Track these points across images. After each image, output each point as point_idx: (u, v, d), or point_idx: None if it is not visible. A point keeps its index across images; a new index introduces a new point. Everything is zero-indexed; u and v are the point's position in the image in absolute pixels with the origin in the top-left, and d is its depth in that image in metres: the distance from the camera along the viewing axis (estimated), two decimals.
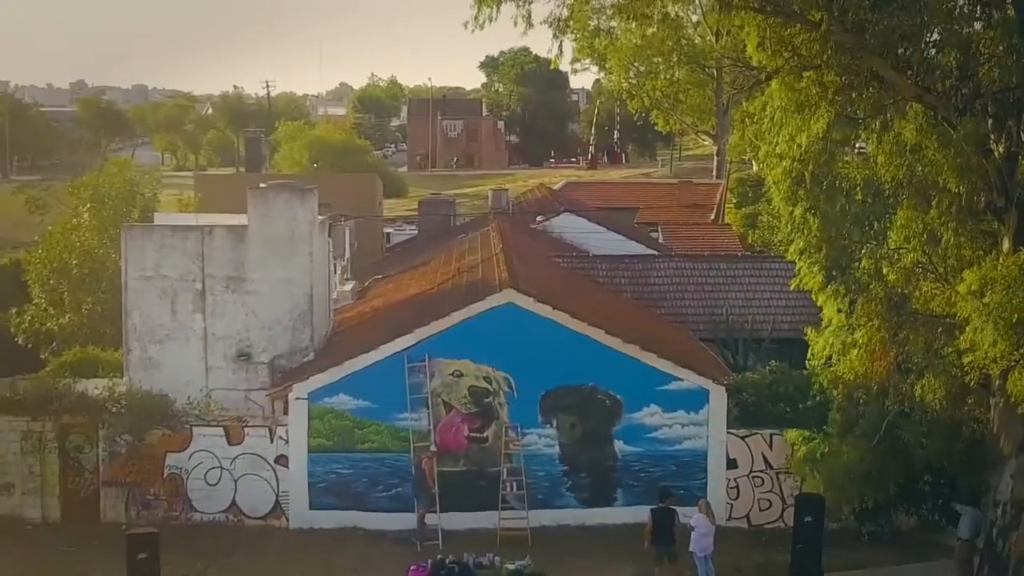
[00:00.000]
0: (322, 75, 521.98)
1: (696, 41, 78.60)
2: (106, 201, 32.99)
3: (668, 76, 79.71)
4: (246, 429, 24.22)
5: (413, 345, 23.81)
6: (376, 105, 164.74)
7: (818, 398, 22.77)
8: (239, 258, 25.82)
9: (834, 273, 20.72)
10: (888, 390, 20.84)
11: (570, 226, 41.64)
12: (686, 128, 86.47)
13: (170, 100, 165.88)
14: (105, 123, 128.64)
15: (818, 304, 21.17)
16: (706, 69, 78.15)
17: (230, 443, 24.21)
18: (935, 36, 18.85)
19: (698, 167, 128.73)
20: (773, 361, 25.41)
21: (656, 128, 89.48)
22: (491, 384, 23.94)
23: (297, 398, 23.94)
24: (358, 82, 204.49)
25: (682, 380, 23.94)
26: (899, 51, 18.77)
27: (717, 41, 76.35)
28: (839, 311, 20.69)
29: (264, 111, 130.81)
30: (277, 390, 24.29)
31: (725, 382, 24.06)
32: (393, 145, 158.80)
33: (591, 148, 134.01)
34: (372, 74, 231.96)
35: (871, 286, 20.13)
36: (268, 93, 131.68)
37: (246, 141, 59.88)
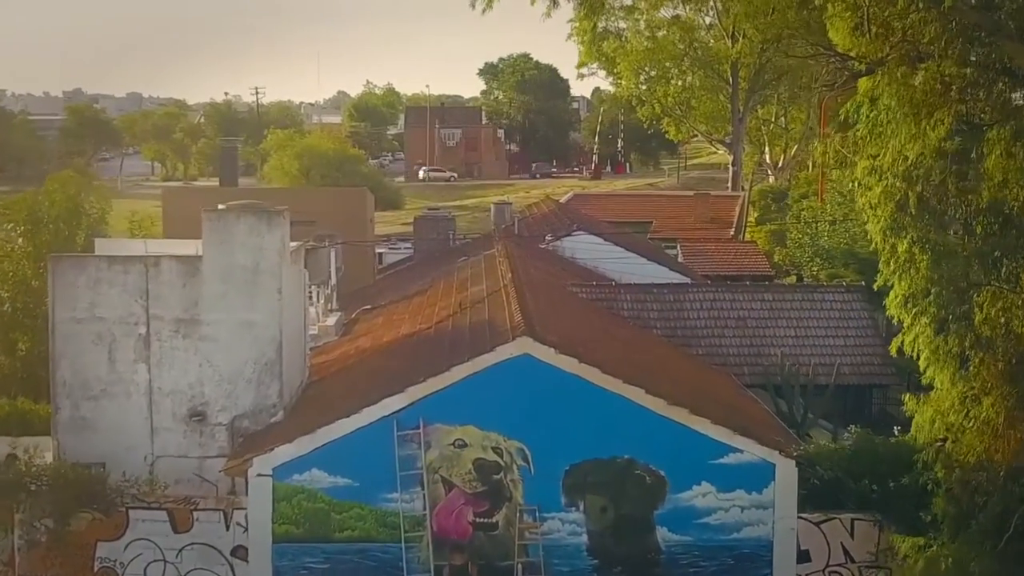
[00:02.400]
0: (320, 84, 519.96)
1: (710, 44, 74.26)
2: (45, 223, 28.15)
3: (680, 81, 75.36)
4: (196, 513, 19.44)
5: (405, 408, 19.04)
6: (372, 113, 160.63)
7: (921, 480, 17.88)
8: (192, 296, 21.07)
9: (948, 326, 15.98)
10: (1017, 476, 16.11)
11: (583, 245, 37.16)
12: (700, 136, 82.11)
13: (161, 108, 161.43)
14: (91, 132, 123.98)
15: (924, 367, 16.37)
16: (720, 74, 73.78)
17: (176, 530, 19.44)
18: None
19: (705, 177, 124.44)
20: (853, 427, 20.52)
21: (667, 136, 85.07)
22: (502, 457, 19.15)
23: (259, 474, 19.14)
24: (355, 90, 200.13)
25: (741, 452, 19.13)
26: None
27: (732, 44, 72.16)
28: (953, 375, 15.96)
29: (256, 119, 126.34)
30: (234, 465, 19.48)
31: (795, 454, 19.26)
32: (390, 154, 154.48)
33: (594, 157, 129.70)
34: (368, 81, 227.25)
35: (996, 343, 15.45)
36: (258, 100, 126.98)
37: (220, 151, 55.09)
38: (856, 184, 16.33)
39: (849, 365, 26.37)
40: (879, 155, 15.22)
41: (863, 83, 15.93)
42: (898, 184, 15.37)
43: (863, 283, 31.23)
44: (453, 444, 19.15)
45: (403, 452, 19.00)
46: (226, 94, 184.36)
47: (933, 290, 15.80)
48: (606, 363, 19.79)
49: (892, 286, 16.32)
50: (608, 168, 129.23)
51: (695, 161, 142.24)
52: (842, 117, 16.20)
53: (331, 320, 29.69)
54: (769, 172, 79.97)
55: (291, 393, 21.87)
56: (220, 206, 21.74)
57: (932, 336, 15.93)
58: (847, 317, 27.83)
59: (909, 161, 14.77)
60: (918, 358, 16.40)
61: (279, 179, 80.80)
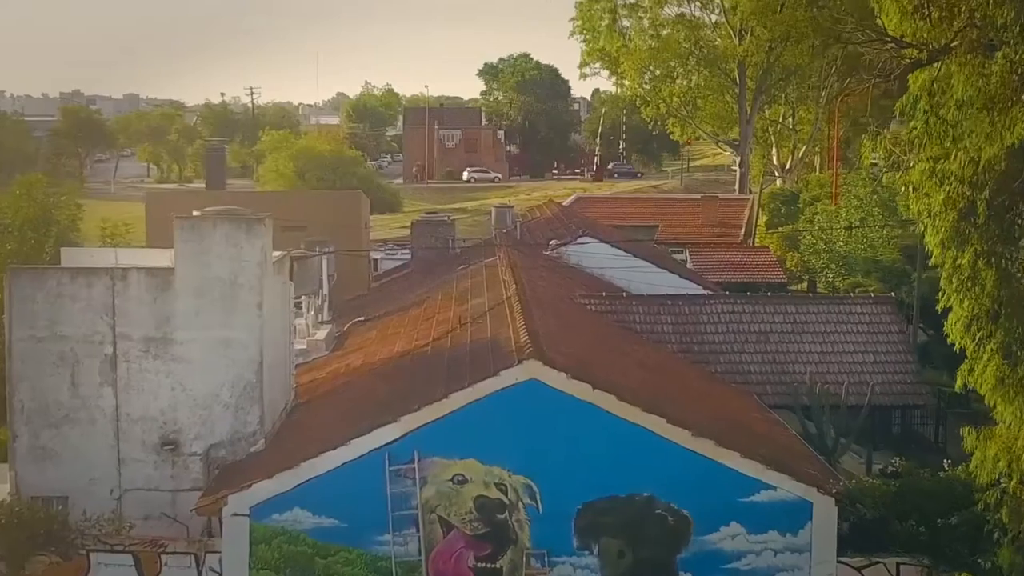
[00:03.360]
0: (318, 85, 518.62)
1: (716, 43, 72.23)
2: (10, 231, 26.06)
3: (686, 81, 73.27)
4: (164, 557, 17.42)
5: (398, 439, 17.03)
6: (371, 114, 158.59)
7: (985, 526, 15.79)
8: (163, 312, 19.07)
9: (1018, 353, 13.94)
10: None
11: (589, 252, 35.13)
12: (705, 137, 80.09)
13: (156, 109, 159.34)
14: (83, 133, 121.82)
15: (990, 398, 14.29)
16: (727, 73, 71.74)
17: (142, 575, 17.43)
18: None
19: (709, 178, 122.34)
20: (898, 459, 18.43)
21: (671, 137, 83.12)
22: (506, 494, 17.13)
23: (235, 514, 17.12)
24: (355, 92, 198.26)
25: (774, 488, 17.09)
26: None
27: (740, 42, 70.15)
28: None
29: (251, 120, 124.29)
30: (207, 503, 17.43)
31: (834, 490, 17.21)
32: (388, 156, 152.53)
33: (596, 159, 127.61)
34: (367, 82, 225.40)
35: None
36: (253, 100, 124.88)
37: (205, 153, 53.05)
38: (910, 189, 14.26)
39: (880, 384, 24.32)
40: (941, 157, 13.18)
41: (919, 75, 13.89)
42: (964, 190, 13.34)
43: (891, 293, 29.25)
44: (452, 480, 17.12)
45: (396, 489, 16.98)
46: (222, 95, 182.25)
47: (1002, 311, 13.77)
48: (622, 387, 17.78)
49: (953, 302, 14.24)
50: (615, 173, 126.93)
51: (697, 163, 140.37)
52: (897, 111, 14.12)
53: (321, 334, 27.66)
54: (776, 174, 77.96)
55: (274, 418, 19.86)
56: (195, 212, 19.74)
57: (999, 364, 13.88)
58: (876, 331, 25.81)
59: (980, 164, 12.75)
60: (971, 387, 14.35)
61: (274, 181, 78.73)
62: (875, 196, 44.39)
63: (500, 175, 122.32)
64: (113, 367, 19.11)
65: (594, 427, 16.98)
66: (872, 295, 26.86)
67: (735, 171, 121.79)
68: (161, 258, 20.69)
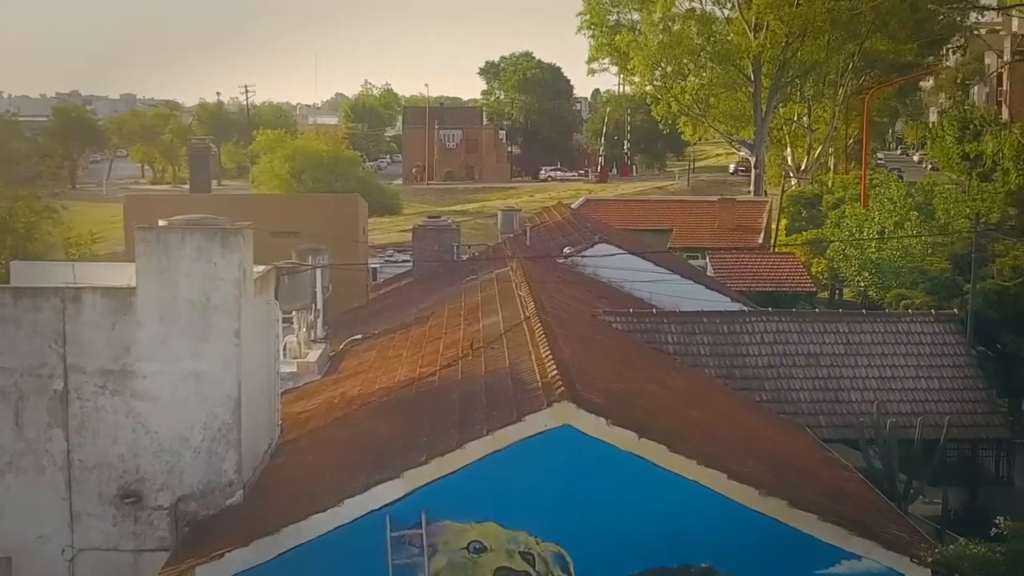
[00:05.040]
0: (317, 86, 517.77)
1: (729, 38, 69.29)
2: None
3: (697, 77, 70.31)
4: None
5: (402, 498, 14.02)
6: (370, 114, 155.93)
7: None
8: (123, 340, 16.08)
9: None
10: None
11: (606, 259, 32.25)
12: (716, 137, 77.27)
13: (151, 109, 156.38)
14: (75, 133, 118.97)
15: None
16: (741, 69, 68.81)
17: None
18: None
19: (716, 179, 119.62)
20: (1002, 519, 15.40)
21: (682, 136, 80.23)
22: (533, 565, 14.12)
23: None
24: (353, 92, 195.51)
25: (858, 558, 14.10)
26: None
27: (755, 37, 67.28)
28: None
29: (249, 120, 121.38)
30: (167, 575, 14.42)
31: (929, 559, 14.22)
32: (387, 157, 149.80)
33: (600, 160, 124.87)
34: (366, 81, 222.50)
35: None
36: (248, 99, 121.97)
37: (190, 153, 50.07)
38: None
39: (949, 414, 21.38)
40: None
41: None
42: None
43: (946, 308, 26.31)
44: (467, 548, 14.11)
45: (399, 559, 13.97)
46: (218, 94, 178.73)
47: None
48: (671, 433, 14.80)
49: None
50: (613, 171, 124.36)
51: (701, 163, 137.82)
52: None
53: (313, 355, 24.73)
54: (791, 175, 75.09)
55: (255, 463, 16.89)
56: (161, 222, 16.75)
57: None
58: (940, 352, 22.91)
59: None
60: None
61: (268, 182, 75.87)
62: (910, 199, 41.49)
63: (585, 171, 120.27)
64: (64, 405, 16.11)
65: (639, 483, 13.99)
66: (933, 312, 23.97)
67: (740, 172, 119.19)
68: (126, 274, 17.71)
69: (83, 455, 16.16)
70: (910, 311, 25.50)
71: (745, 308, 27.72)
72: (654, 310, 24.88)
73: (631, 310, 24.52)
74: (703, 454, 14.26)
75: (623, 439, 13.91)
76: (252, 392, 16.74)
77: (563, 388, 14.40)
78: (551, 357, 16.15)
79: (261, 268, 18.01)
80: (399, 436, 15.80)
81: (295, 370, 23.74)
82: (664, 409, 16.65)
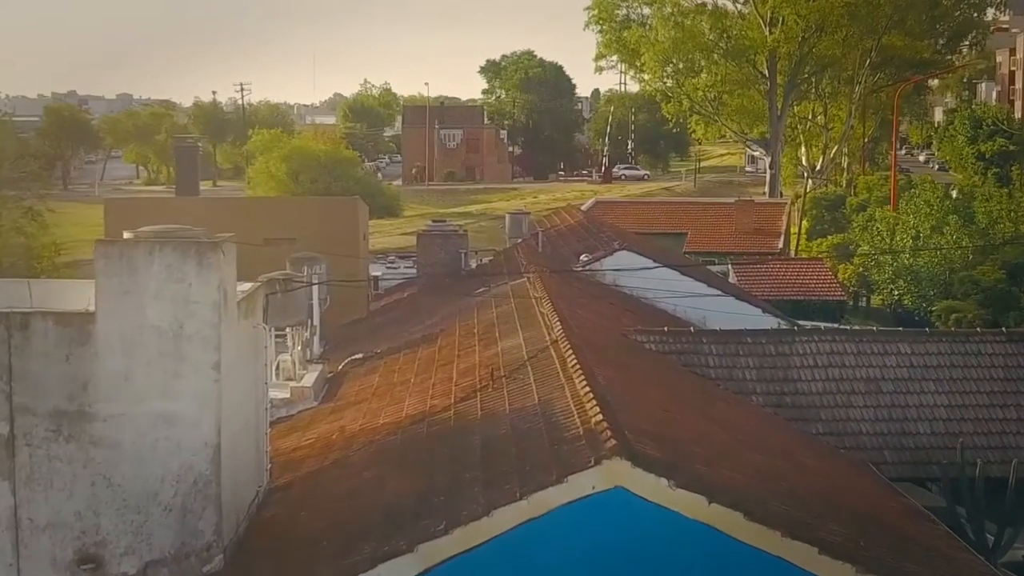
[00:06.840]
0: (315, 85, 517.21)
1: (744, 33, 66.71)
2: None
3: (711, 73, 67.72)
4: None
5: None
6: (368, 114, 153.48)
7: None
8: (80, 376, 13.41)
9: None
10: None
11: (627, 267, 29.71)
12: (729, 136, 74.73)
13: (146, 109, 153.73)
14: (68, 133, 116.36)
15: None
16: (755, 66, 66.26)
17: None
18: None
19: (723, 180, 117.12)
20: None
21: (693, 136, 77.71)
22: None
23: None
24: (351, 92, 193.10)
25: None
26: None
27: (770, 32, 64.78)
28: None
29: (245, 120, 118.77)
30: None
31: None
32: (387, 157, 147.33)
33: (604, 160, 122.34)
34: (365, 80, 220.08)
35: None
36: (243, 97, 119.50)
37: (176, 153, 47.37)
38: None
39: None
40: None
41: None
42: None
43: (1001, 325, 23.70)
44: None
45: None
46: (213, 93, 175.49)
47: None
48: (742, 489, 12.18)
49: None
50: (622, 173, 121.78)
51: (706, 163, 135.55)
52: None
53: (309, 378, 22.09)
54: (805, 175, 72.59)
55: (238, 519, 14.24)
56: (126, 234, 14.10)
57: None
58: (1017, 377, 20.26)
59: None
60: None
61: (264, 183, 73.36)
62: (947, 202, 38.92)
63: (648, 172, 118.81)
64: (10, 453, 13.45)
65: (709, 560, 11.35)
66: (1005, 331, 21.39)
67: (748, 171, 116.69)
68: (90, 295, 15.08)
69: (33, 512, 13.49)
70: (977, 329, 22.85)
71: (783, 323, 25.13)
72: (691, 328, 22.28)
73: (666, 328, 21.86)
74: (786, 520, 11.61)
75: (690, 505, 11.25)
76: (235, 436, 14.10)
77: (612, 439, 11.76)
78: (590, 394, 13.55)
79: (247, 286, 15.38)
80: (410, 492, 13.14)
81: (288, 396, 21.15)
82: (725, 455, 14.01)
